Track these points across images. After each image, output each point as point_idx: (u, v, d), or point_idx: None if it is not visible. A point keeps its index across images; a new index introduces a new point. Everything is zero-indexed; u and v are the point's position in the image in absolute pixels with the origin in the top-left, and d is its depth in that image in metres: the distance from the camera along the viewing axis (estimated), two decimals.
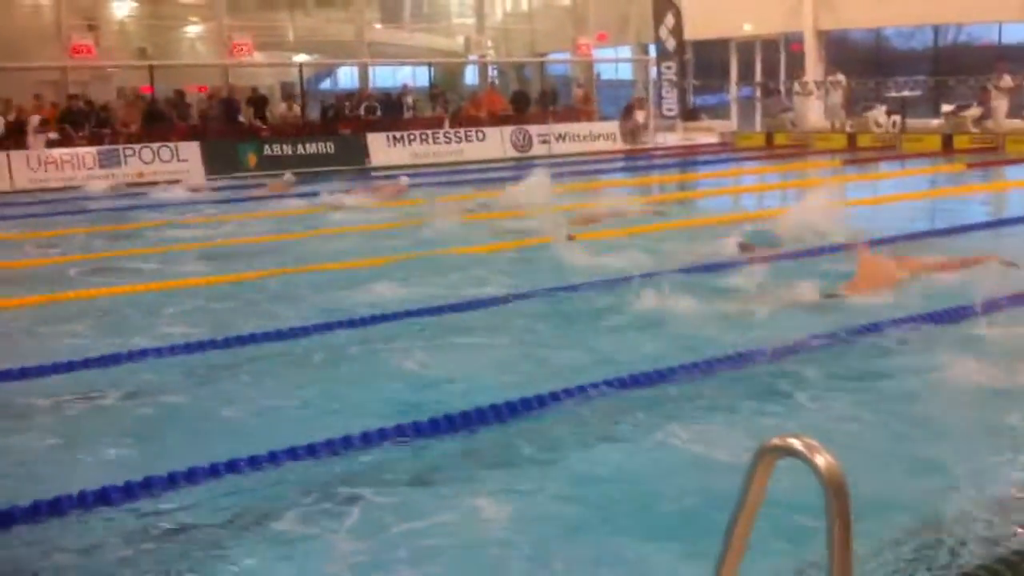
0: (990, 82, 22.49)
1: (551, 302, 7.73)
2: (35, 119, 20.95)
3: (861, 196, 13.76)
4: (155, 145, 20.76)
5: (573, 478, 4.37)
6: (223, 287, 8.96)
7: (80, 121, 21.59)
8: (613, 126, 26.25)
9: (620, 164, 21.28)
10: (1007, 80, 22.32)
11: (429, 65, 29.55)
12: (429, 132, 23.50)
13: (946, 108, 23.51)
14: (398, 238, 11.45)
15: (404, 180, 16.77)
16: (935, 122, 24.17)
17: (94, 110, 22.27)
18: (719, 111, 32.48)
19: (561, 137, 24.75)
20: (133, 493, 4.18)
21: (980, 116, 22.56)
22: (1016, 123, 22.39)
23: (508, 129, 24.38)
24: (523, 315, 7.38)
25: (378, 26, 37.60)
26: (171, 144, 20.93)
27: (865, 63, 28.34)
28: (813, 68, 28.56)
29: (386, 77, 36.13)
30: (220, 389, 5.86)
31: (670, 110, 31.14)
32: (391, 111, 24.47)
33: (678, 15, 30.89)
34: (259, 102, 23.43)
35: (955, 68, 25.42)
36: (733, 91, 31.93)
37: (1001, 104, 22.36)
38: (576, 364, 6.02)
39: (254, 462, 4.44)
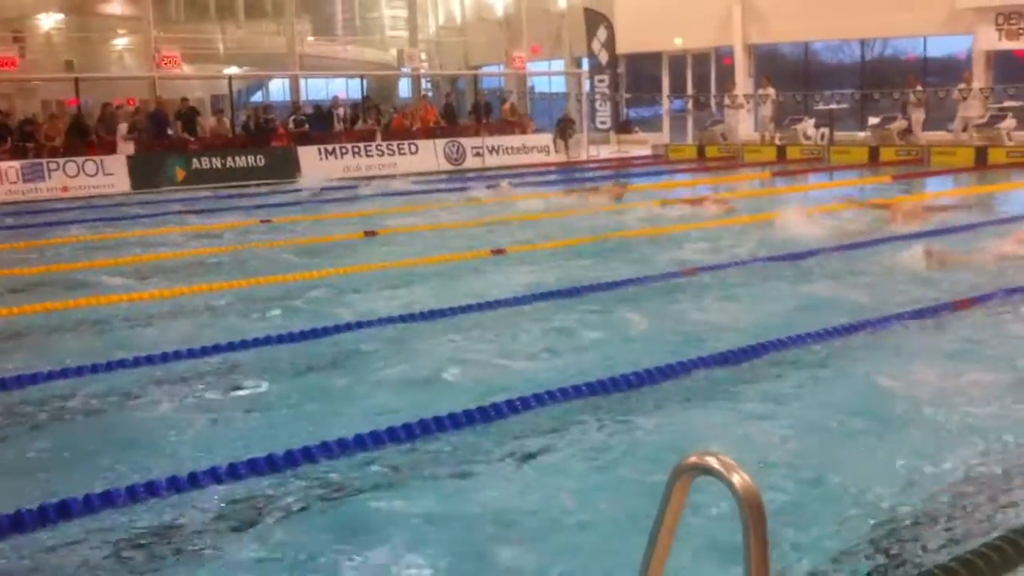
0: (912, 95, 22.95)
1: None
2: None
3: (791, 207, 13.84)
4: (80, 159, 20.32)
5: None
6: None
7: (2, 135, 21.09)
8: (547, 138, 26.31)
9: (554, 176, 21.27)
10: (919, 92, 22.82)
11: (361, 77, 29.39)
12: (361, 145, 23.32)
13: (872, 121, 23.92)
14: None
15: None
16: (862, 135, 24.58)
17: (18, 124, 21.81)
18: (652, 124, 32.74)
19: (495, 150, 24.73)
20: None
21: (905, 129, 22.98)
22: (937, 135, 22.84)
23: (441, 142, 24.30)
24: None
25: (311, 39, 37.41)
26: (96, 158, 20.51)
27: (794, 76, 28.75)
28: (743, 81, 28.92)
29: (318, 89, 35.91)
30: None
31: (603, 123, 31.29)
32: (322, 124, 24.24)
33: (610, 29, 31.07)
34: (188, 115, 23.08)
35: (882, 82, 25.89)
36: (665, 104, 32.21)
37: (918, 116, 22.82)
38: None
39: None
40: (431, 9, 42.22)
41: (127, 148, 21.55)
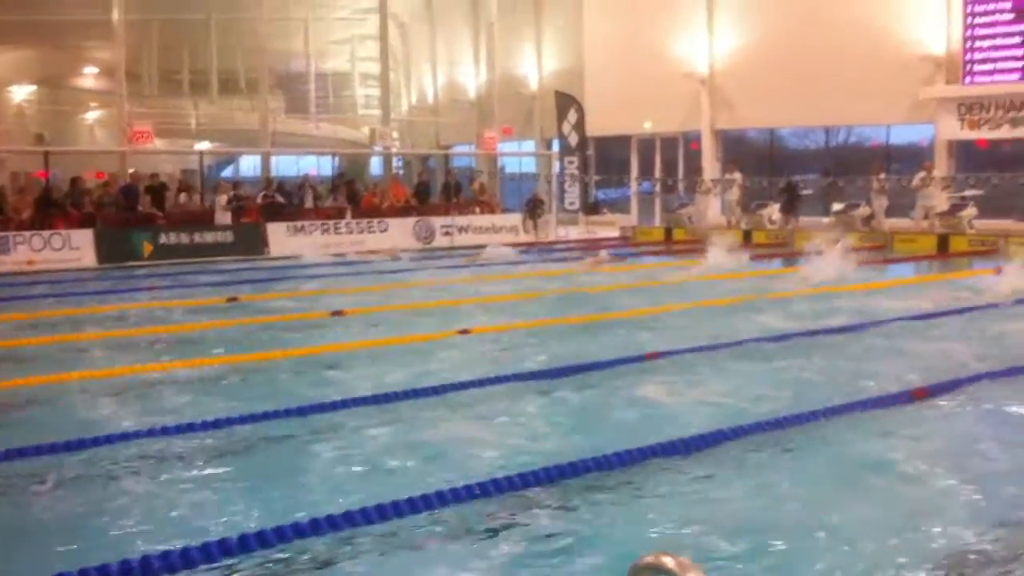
0: (876, 182, 23.35)
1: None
2: None
3: (755, 292, 13.95)
4: (46, 233, 20.19)
5: None
6: None
7: None
8: (516, 218, 26.45)
9: (521, 257, 21.32)
10: (882, 179, 23.24)
11: (333, 155, 29.56)
12: (331, 222, 23.34)
13: (836, 207, 24.26)
14: None
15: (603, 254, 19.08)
16: (826, 220, 24.89)
17: None
18: (620, 205, 33.08)
19: (464, 229, 24.82)
20: None
21: (868, 216, 23.32)
22: (901, 222, 23.17)
23: (411, 220, 24.37)
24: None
25: (283, 116, 37.69)
26: (63, 232, 20.39)
27: (760, 161, 29.21)
28: (710, 166, 29.34)
29: (290, 166, 36.11)
30: None
31: (572, 204, 31.62)
32: (292, 201, 24.26)
33: (581, 112, 31.56)
34: (157, 189, 23.05)
35: (846, 168, 26.34)
36: (633, 186, 32.57)
37: (881, 203, 23.21)
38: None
39: None
40: (404, 89, 42.75)
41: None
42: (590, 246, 23.88)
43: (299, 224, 22.94)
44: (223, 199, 22.91)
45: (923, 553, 4.56)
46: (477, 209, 26.37)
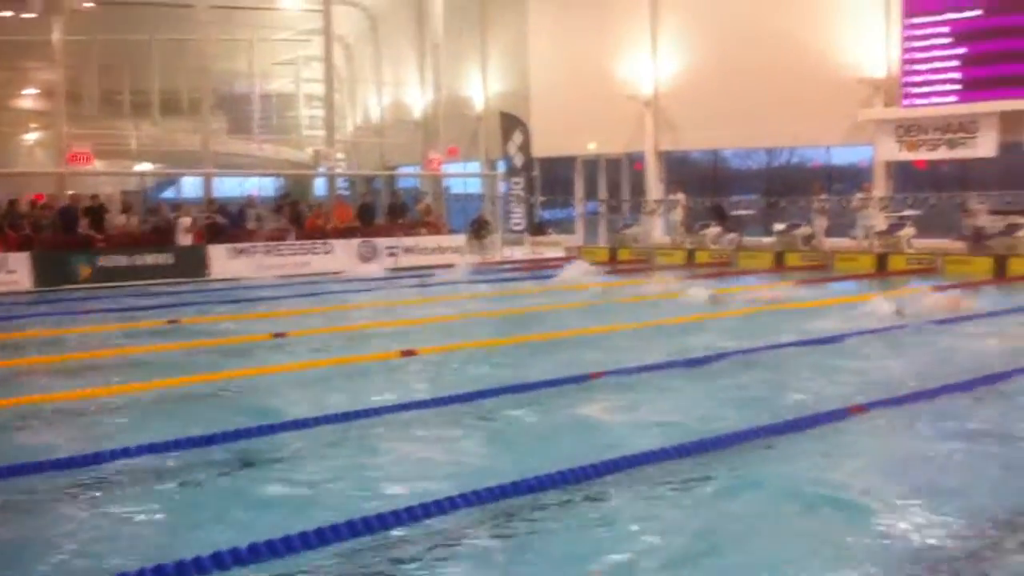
0: (816, 202, 23.67)
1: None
2: None
3: (699, 312, 14.03)
4: None
5: None
6: None
7: None
8: (461, 239, 26.42)
9: (466, 277, 21.27)
10: (822, 200, 23.57)
11: (276, 176, 29.34)
12: (274, 244, 23.12)
13: (778, 227, 24.54)
14: None
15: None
16: (768, 240, 25.17)
17: None
18: (566, 226, 33.19)
19: (409, 250, 24.72)
20: None
21: (809, 235, 23.60)
22: (841, 242, 23.47)
23: (355, 241, 24.22)
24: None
25: (226, 137, 37.37)
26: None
27: (704, 182, 29.48)
28: (654, 187, 29.55)
29: (233, 187, 35.75)
30: None
31: (518, 224, 31.68)
32: (234, 222, 24.00)
33: (526, 133, 31.69)
34: (96, 212, 22.67)
35: (787, 188, 26.66)
36: (579, 207, 32.70)
37: (821, 223, 23.53)
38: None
39: None
40: (349, 110, 42.63)
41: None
42: (535, 266, 23.92)
43: (241, 246, 22.69)
44: (187, 221, 22.69)
45: (858, 567, 4.58)
46: (423, 230, 26.30)
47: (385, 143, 39.48)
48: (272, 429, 7.16)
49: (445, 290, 18.34)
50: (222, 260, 22.18)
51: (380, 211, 28.03)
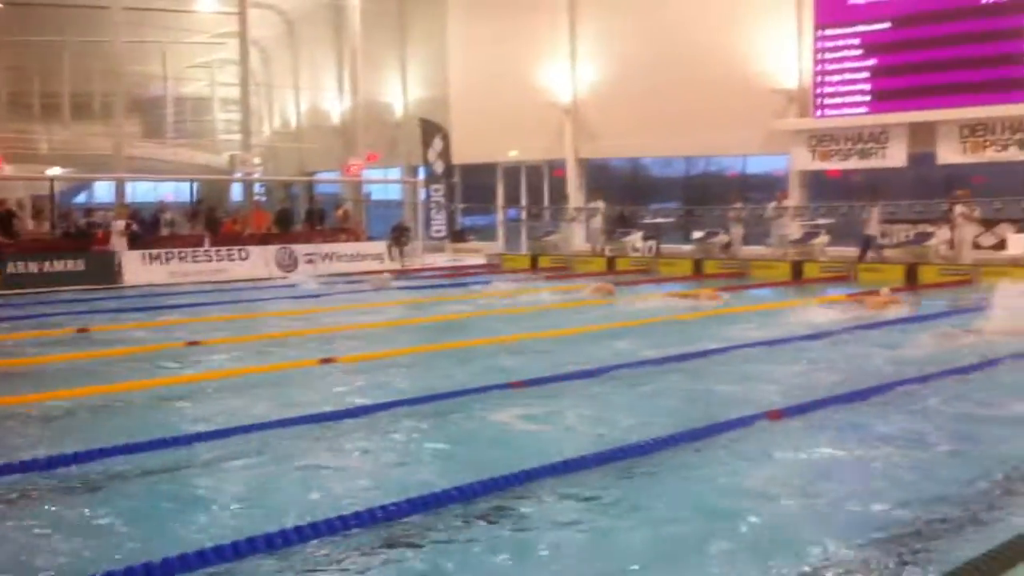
0: (732, 211, 24.01)
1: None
2: None
3: (619, 319, 14.09)
4: None
5: None
6: None
7: None
8: (381, 246, 26.23)
9: (387, 284, 21.12)
10: (738, 209, 23.94)
11: (191, 181, 28.84)
12: (188, 250, 22.69)
13: (696, 235, 24.83)
14: None
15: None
16: (687, 248, 25.44)
17: None
18: (487, 233, 33.17)
19: (328, 256, 24.47)
20: None
21: (726, 243, 23.91)
22: (757, 250, 23.83)
23: (272, 248, 23.88)
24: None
25: (140, 141, 36.63)
26: None
27: (624, 190, 29.70)
28: (575, 194, 29.69)
29: (147, 192, 35.06)
30: None
31: (439, 231, 31.60)
32: (147, 228, 23.51)
33: (446, 139, 31.62)
34: (5, 217, 22.03)
35: (706, 196, 26.99)
36: (500, 214, 32.71)
37: (738, 231, 23.89)
38: None
39: None
40: (266, 115, 42.10)
41: None
42: (455, 273, 23.86)
43: (155, 252, 22.23)
44: (120, 224, 22.32)
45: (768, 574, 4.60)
46: (342, 237, 26.06)
47: (303, 148, 39.06)
48: (188, 440, 6.98)
49: (365, 297, 18.19)
50: (135, 267, 21.70)
51: (298, 217, 27.70)
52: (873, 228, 21.82)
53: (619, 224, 26.23)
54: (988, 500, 5.68)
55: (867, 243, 21.82)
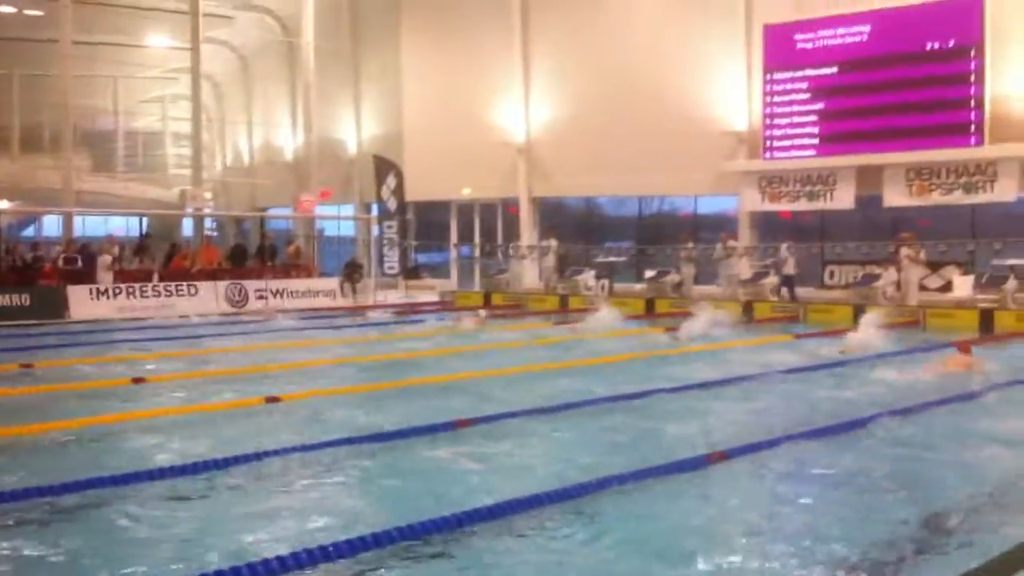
0: (683, 251, 24.21)
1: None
2: None
3: (574, 357, 14.12)
4: None
5: None
6: None
7: None
8: (333, 283, 26.10)
9: (331, 322, 20.91)
10: (689, 249, 24.16)
11: (141, 216, 28.56)
12: (136, 286, 22.40)
13: (648, 274, 24.97)
14: None
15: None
16: (639, 286, 25.57)
17: None
18: (441, 270, 33.13)
19: (279, 293, 24.28)
20: None
21: (678, 282, 24.06)
22: (709, 289, 23.98)
23: (223, 284, 23.66)
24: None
25: (89, 175, 36.21)
26: None
27: (577, 228, 29.86)
28: (528, 232, 29.77)
29: (97, 226, 34.63)
30: None
31: (391, 268, 31.50)
32: (94, 263, 23.17)
33: (400, 176, 31.59)
34: None
35: (659, 236, 27.20)
36: (453, 251, 32.72)
37: (689, 271, 24.08)
38: None
39: None
40: (218, 150, 41.88)
41: None
42: (407, 310, 23.76)
43: (102, 287, 21.93)
44: (107, 259, 22.28)
45: None
46: (293, 272, 25.89)
47: (256, 184, 38.85)
48: (127, 480, 6.86)
49: (314, 334, 18.05)
50: (82, 301, 21.37)
51: (250, 253, 27.50)
52: (790, 268, 22.23)
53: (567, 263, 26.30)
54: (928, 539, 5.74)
55: (788, 283, 22.21)
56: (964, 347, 13.06)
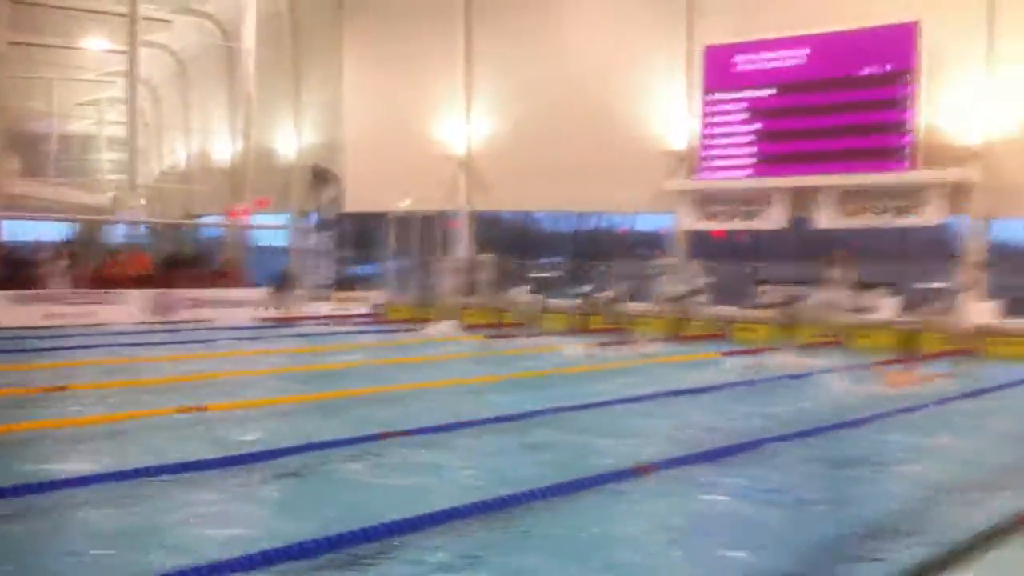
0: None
1: None
2: None
3: (502, 371, 14.09)
4: None
5: None
6: None
7: None
8: (263, 292, 25.81)
9: (253, 333, 20.65)
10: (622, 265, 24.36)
11: (72, 221, 28.03)
12: (61, 292, 21.94)
13: (582, 290, 25.01)
14: None
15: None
16: (574, 302, 25.59)
17: None
18: (376, 282, 32.91)
19: (206, 302, 23.93)
20: None
21: (613, 299, 24.12)
22: (643, 306, 24.08)
23: (151, 292, 23.27)
24: None
25: (18, 178, 35.46)
26: None
27: (515, 243, 29.87)
28: (466, 245, 29.73)
29: (28, 231, 33.87)
30: None
31: (325, 279, 31.27)
32: (21, 268, 22.66)
33: (338, 187, 31.39)
34: None
35: (596, 252, 27.29)
36: (389, 263, 32.52)
37: (622, 287, 24.17)
38: None
39: None
40: (154, 155, 41.27)
41: None
42: (340, 321, 23.59)
43: (26, 293, 21.45)
44: (62, 264, 22.36)
45: None
46: (222, 281, 25.57)
47: (191, 191, 38.33)
48: (40, 487, 6.70)
49: (243, 344, 17.85)
50: (5, 308, 20.89)
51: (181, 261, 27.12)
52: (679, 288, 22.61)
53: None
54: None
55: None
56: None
